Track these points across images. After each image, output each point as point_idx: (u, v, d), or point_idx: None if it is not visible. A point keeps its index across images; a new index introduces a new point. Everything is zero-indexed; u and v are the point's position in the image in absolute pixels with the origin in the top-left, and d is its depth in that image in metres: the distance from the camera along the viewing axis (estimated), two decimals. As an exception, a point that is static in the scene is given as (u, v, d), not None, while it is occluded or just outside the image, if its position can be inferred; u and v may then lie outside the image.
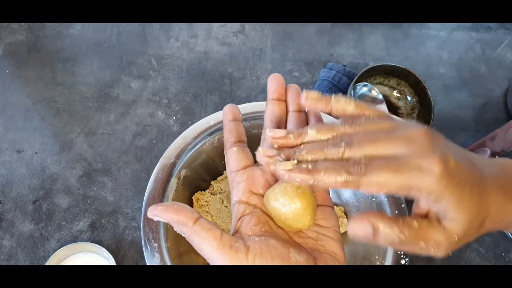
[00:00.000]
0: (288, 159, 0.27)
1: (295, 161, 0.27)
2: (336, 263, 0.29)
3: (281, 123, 0.33)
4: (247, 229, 0.29)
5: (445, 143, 0.27)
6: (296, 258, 0.27)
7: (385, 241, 0.25)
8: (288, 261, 0.27)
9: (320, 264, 0.28)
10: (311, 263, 0.28)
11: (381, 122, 0.28)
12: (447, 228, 0.25)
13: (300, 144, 0.28)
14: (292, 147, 0.29)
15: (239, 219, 0.30)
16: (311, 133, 0.28)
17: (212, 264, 0.27)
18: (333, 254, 0.30)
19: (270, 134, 0.29)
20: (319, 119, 0.34)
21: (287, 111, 0.34)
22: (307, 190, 0.31)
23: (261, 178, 0.32)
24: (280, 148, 0.29)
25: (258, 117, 0.53)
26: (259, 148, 0.28)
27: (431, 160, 0.24)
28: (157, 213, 0.27)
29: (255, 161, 0.32)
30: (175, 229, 0.27)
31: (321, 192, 0.33)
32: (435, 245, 0.25)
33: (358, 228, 0.25)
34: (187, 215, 0.27)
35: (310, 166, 0.26)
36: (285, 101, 0.34)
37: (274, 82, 0.34)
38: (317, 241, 0.30)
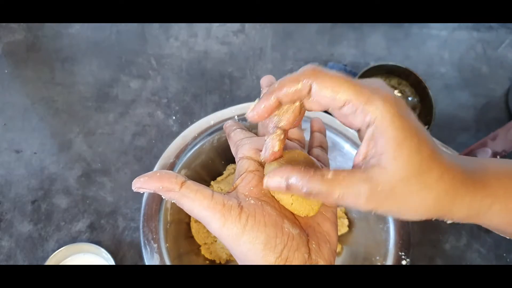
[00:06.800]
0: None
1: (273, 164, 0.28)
2: (328, 245, 0.28)
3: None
4: (245, 189, 0.28)
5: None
6: (289, 230, 0.26)
7: (297, 192, 0.25)
8: (281, 231, 0.26)
9: (312, 241, 0.27)
10: (303, 238, 0.27)
11: None
12: (372, 176, 0.24)
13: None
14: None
15: (240, 176, 0.29)
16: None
17: (206, 226, 0.26)
18: (327, 235, 0.29)
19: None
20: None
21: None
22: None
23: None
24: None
25: (258, 117, 0.53)
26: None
27: (385, 93, 0.24)
28: (141, 184, 0.26)
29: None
30: (163, 197, 0.26)
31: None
32: (353, 195, 0.24)
33: (273, 182, 0.26)
34: (172, 180, 0.26)
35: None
36: None
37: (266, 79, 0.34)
38: (313, 218, 0.29)
